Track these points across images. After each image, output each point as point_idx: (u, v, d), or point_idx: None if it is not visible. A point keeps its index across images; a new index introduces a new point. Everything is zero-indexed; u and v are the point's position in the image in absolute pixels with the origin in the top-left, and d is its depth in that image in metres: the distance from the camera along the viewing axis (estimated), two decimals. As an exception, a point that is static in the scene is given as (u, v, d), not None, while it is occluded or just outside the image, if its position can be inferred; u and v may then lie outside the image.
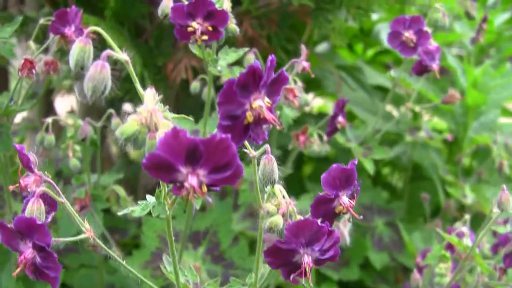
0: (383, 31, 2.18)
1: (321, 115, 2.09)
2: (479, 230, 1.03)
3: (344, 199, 0.77)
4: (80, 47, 0.65)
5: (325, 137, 1.30)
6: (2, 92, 1.35)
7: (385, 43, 2.17)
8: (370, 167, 1.33)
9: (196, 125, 1.19)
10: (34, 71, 0.99)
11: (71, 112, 1.80)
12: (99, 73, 0.62)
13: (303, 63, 1.10)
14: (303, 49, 1.12)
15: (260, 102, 0.65)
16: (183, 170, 0.61)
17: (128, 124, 0.62)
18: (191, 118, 1.20)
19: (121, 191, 1.23)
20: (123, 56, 0.64)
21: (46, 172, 0.79)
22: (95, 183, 1.25)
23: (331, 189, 0.77)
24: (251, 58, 1.23)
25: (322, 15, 1.56)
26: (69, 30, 1.03)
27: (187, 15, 0.92)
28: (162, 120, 0.63)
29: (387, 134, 1.99)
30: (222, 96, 0.63)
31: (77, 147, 1.15)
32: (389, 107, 2.03)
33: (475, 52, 2.14)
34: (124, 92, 1.64)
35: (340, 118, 1.25)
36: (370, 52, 2.39)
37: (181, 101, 1.86)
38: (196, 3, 0.91)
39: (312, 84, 2.04)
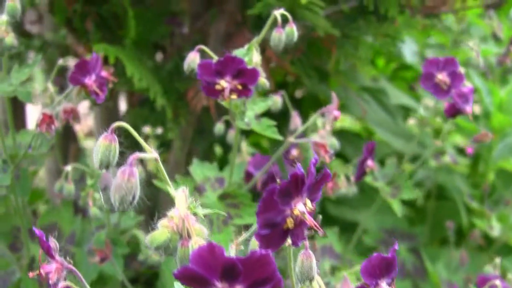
0: (405, 46, 2.09)
1: (342, 133, 2.01)
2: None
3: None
4: (105, 145, 0.58)
5: (352, 178, 1.22)
6: (19, 129, 1.28)
7: (407, 58, 2.10)
8: (398, 209, 1.25)
9: (221, 172, 1.11)
10: (53, 126, 0.92)
11: (89, 134, 1.74)
12: (127, 182, 0.55)
13: (334, 113, 1.03)
14: (334, 97, 1.04)
15: (302, 208, 0.57)
16: (219, 285, 0.54)
17: (158, 231, 0.55)
18: (214, 165, 1.14)
19: (141, 236, 1.16)
20: (152, 155, 0.57)
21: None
22: (115, 225, 1.19)
23: (371, 278, 0.69)
24: (278, 101, 1.16)
25: (348, 43, 1.47)
26: (90, 80, 0.96)
27: (215, 72, 0.85)
28: (195, 226, 0.55)
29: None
30: (262, 206, 0.56)
31: (98, 195, 1.08)
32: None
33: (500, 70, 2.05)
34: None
35: (369, 162, 1.17)
36: (391, 64, 2.30)
37: (203, 124, 1.79)
38: (225, 61, 0.84)
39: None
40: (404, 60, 2.12)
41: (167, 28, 1.63)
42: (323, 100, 2.05)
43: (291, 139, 1.02)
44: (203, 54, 1.28)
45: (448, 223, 1.66)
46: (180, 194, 0.57)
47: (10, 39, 0.98)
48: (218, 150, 2.20)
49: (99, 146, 0.58)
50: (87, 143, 1.97)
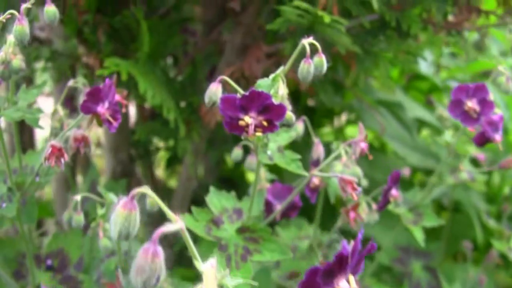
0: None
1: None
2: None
3: None
4: (123, 216, 0.50)
5: (374, 206, 1.14)
6: (27, 147, 1.20)
7: (422, 69, 2.01)
8: (420, 237, 1.17)
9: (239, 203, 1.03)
10: (63, 159, 0.84)
11: (98, 145, 1.66)
12: (150, 263, 0.46)
13: (361, 145, 0.94)
14: (361, 128, 0.96)
15: (344, 285, 0.49)
16: None
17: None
18: (232, 195, 1.06)
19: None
20: (177, 225, 0.48)
21: None
22: (125, 253, 1.10)
23: None
24: (300, 127, 1.08)
25: (368, 59, 1.39)
26: (103, 108, 0.87)
27: (240, 108, 0.76)
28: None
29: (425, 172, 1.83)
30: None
31: (108, 226, 1.00)
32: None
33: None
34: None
35: (394, 192, 1.09)
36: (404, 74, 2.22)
37: (214, 134, 1.71)
38: (251, 96, 0.75)
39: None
40: (418, 70, 2.03)
41: (180, 38, 1.55)
42: (337, 110, 1.96)
43: (315, 172, 0.94)
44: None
45: (466, 243, 1.58)
46: (209, 270, 0.49)
47: (18, 61, 0.90)
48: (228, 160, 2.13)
49: (118, 216, 0.50)
50: (96, 152, 1.89)
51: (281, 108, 0.78)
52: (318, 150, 1.04)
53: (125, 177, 1.62)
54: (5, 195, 0.98)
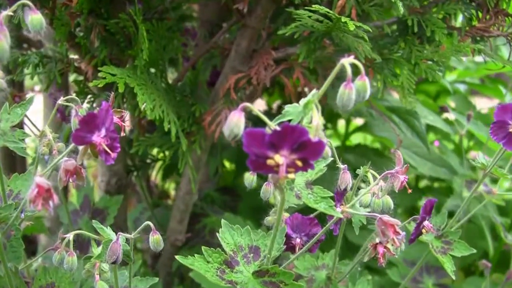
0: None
1: (360, 149, 1.77)
2: None
3: None
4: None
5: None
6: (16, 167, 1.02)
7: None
8: (451, 269, 1.01)
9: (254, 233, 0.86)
10: (52, 202, 0.66)
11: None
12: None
13: (400, 177, 0.78)
14: (399, 157, 0.79)
15: None
16: None
17: None
18: (247, 229, 0.89)
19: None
20: None
21: None
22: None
23: None
24: (329, 156, 0.90)
25: (387, 67, 1.22)
26: (98, 137, 0.70)
27: (269, 145, 0.59)
28: None
29: (439, 181, 1.68)
30: None
31: (106, 266, 0.83)
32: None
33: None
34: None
35: (427, 223, 0.93)
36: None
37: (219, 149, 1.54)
38: (284, 131, 0.58)
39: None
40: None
41: (179, 41, 1.37)
42: (344, 115, 1.80)
43: (348, 209, 0.77)
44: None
45: (484, 262, 1.43)
46: None
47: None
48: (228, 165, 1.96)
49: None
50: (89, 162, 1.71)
51: (319, 146, 0.61)
52: (345, 178, 0.87)
53: (120, 189, 1.45)
54: (-15, 233, 0.80)
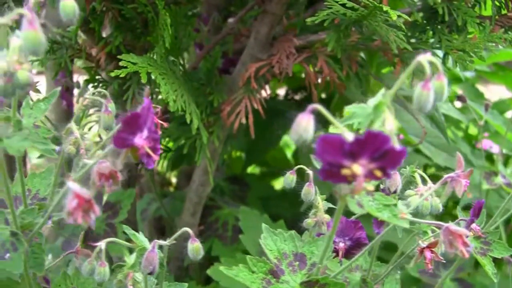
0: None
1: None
2: None
3: None
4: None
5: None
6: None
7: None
8: (491, 271, 0.94)
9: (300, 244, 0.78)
10: (93, 215, 0.57)
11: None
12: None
13: (462, 182, 0.70)
14: (460, 160, 0.72)
15: None
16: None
17: None
18: (291, 234, 0.81)
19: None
20: None
21: None
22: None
23: None
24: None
25: (415, 57, 1.13)
26: (141, 138, 0.61)
27: (347, 153, 0.51)
28: None
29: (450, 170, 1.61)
30: None
31: (139, 277, 0.75)
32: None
33: None
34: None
35: (475, 226, 0.86)
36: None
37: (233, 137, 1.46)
38: (366, 139, 0.50)
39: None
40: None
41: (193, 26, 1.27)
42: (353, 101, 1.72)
43: (408, 216, 0.69)
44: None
45: (507, 258, 1.37)
46: None
47: (24, 73, 0.62)
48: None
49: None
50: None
51: (401, 154, 0.53)
52: (396, 180, 0.79)
53: (130, 180, 1.36)
54: (8, 241, 0.71)
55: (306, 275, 0.74)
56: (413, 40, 1.16)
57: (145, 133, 0.63)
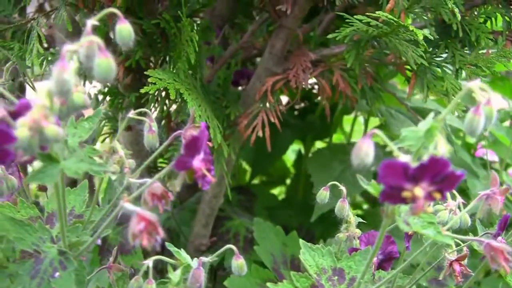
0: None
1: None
2: None
3: None
4: None
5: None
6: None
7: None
8: None
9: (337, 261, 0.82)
10: (158, 236, 0.60)
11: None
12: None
13: (498, 199, 0.74)
14: (495, 176, 0.76)
15: None
16: None
17: None
18: (328, 250, 0.84)
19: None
20: None
21: None
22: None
23: None
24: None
25: (430, 71, 1.18)
26: (198, 160, 0.64)
27: (410, 177, 0.55)
28: None
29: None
30: None
31: (185, 293, 0.77)
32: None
33: None
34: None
35: (500, 239, 0.90)
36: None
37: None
38: (429, 164, 0.54)
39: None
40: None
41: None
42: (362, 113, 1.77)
43: (448, 232, 0.73)
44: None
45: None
46: None
47: (80, 96, 0.64)
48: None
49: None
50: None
51: (458, 178, 0.57)
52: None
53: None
54: (56, 260, 0.73)
55: (346, 290, 0.77)
56: (427, 55, 1.21)
57: (201, 155, 0.65)
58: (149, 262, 0.75)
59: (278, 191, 2.07)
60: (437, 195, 0.58)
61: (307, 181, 1.81)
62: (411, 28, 0.95)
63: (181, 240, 1.54)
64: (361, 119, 1.97)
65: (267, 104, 1.23)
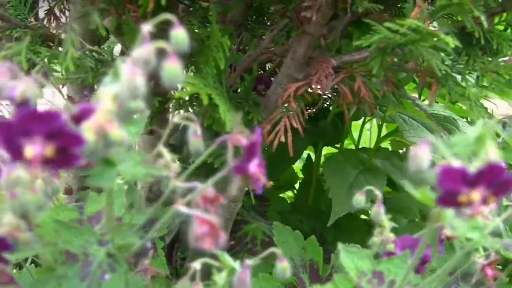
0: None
1: (385, 153, 1.77)
2: None
3: None
4: None
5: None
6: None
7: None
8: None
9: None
10: (220, 240, 0.62)
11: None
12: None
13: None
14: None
15: None
16: None
17: None
18: (366, 253, 0.87)
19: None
20: None
21: None
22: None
23: None
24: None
25: (451, 78, 1.22)
26: (254, 165, 0.67)
27: (468, 182, 0.58)
28: None
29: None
30: None
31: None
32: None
33: None
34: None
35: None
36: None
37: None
38: (487, 170, 0.57)
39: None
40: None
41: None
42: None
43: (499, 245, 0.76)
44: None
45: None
46: None
47: (117, 133, 0.63)
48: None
49: None
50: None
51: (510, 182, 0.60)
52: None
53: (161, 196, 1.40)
54: (105, 262, 0.76)
55: (387, 293, 0.80)
56: (448, 63, 1.24)
57: (257, 159, 0.68)
58: (197, 264, 0.77)
59: (286, 196, 2.10)
60: (492, 199, 0.61)
61: (318, 186, 1.84)
62: (442, 36, 0.98)
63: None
64: (367, 125, 2.01)
65: (289, 110, 1.26)
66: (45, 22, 1.67)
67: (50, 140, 0.58)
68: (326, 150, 1.92)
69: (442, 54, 1.19)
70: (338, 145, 1.84)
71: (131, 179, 0.67)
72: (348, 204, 1.53)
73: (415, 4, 1.12)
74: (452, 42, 0.98)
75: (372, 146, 2.04)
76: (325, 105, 1.81)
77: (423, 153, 0.62)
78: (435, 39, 1.02)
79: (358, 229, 1.73)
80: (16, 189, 0.69)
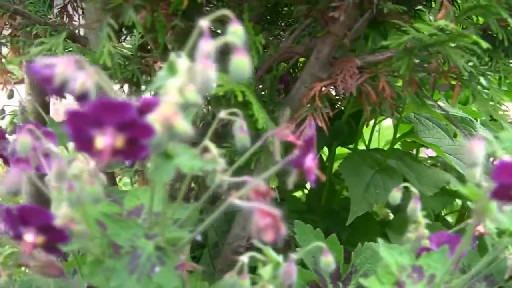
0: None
1: (398, 154, 1.80)
2: None
3: None
4: None
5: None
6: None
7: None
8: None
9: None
10: (281, 231, 0.65)
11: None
12: None
13: None
14: None
15: None
16: None
17: None
18: (405, 248, 0.90)
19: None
20: None
21: None
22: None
23: None
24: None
25: (474, 79, 1.25)
26: (310, 159, 0.69)
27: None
28: None
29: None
30: None
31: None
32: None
33: None
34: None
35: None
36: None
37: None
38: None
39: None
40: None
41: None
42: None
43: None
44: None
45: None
46: None
47: (193, 94, 0.66)
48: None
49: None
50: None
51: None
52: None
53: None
54: (154, 256, 0.77)
55: (426, 286, 0.82)
56: (472, 64, 1.27)
57: (312, 154, 0.70)
58: (245, 258, 0.79)
59: (297, 196, 2.12)
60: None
61: (331, 186, 1.87)
62: (473, 37, 1.01)
63: (209, 241, 1.59)
64: (376, 126, 2.04)
65: (315, 109, 1.28)
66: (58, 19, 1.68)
67: (121, 131, 0.59)
68: (340, 151, 1.94)
69: (478, 56, 1.23)
70: (351, 146, 1.86)
71: (189, 171, 0.69)
72: (365, 203, 1.56)
73: (442, 5, 1.15)
74: (483, 43, 1.01)
75: (381, 147, 2.07)
76: (339, 105, 1.84)
77: (478, 148, 0.64)
78: (465, 39, 1.05)
79: (372, 230, 1.76)
80: (74, 181, 0.71)
